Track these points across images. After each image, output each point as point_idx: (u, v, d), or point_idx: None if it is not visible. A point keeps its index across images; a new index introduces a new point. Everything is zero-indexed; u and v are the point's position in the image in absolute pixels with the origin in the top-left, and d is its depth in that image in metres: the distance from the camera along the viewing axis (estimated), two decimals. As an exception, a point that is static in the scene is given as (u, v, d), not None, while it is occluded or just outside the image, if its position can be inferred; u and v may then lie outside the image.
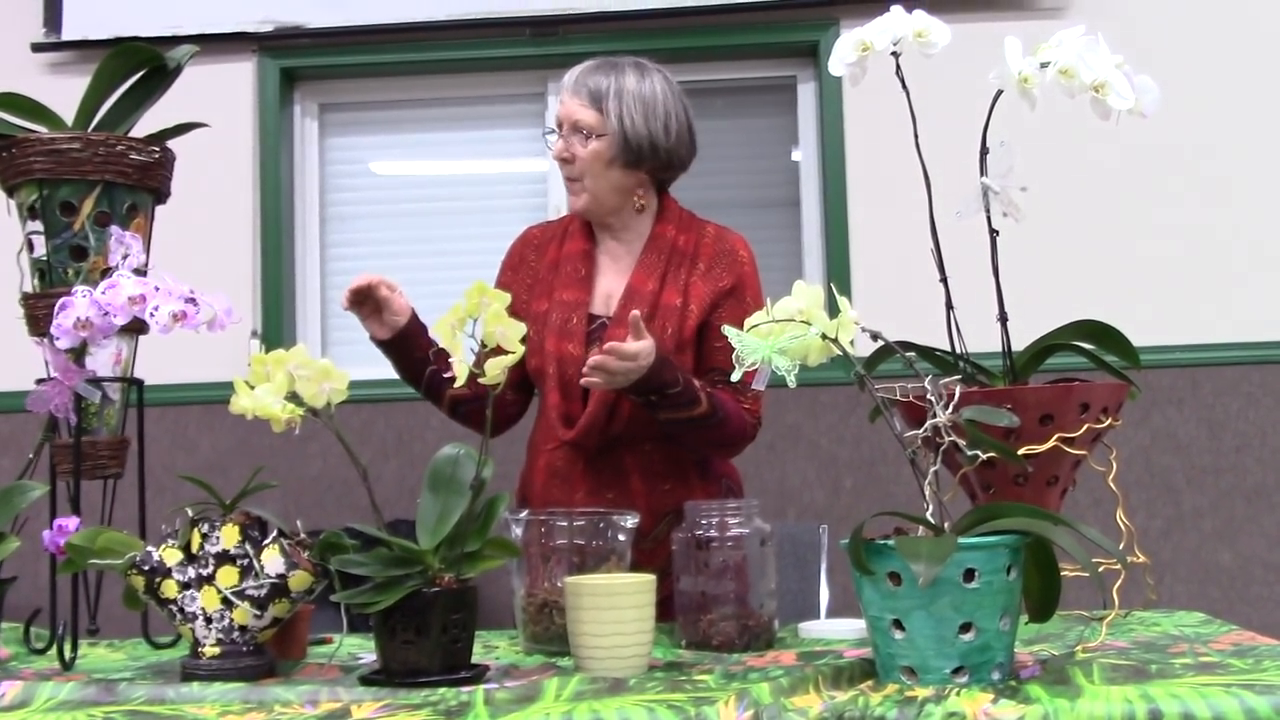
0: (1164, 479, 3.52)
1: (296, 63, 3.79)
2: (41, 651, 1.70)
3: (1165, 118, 1.59)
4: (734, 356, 1.41)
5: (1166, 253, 3.55)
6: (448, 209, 3.86)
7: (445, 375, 1.44)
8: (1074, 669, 1.35)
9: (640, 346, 1.85)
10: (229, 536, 1.48)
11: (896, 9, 1.56)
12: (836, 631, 1.72)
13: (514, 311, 1.91)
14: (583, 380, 1.91)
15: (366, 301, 2.04)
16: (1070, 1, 3.57)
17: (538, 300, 2.12)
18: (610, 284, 2.12)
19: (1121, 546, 1.39)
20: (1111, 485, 1.51)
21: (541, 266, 2.17)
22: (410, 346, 2.08)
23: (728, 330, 1.43)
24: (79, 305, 1.57)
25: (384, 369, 3.64)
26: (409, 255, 3.82)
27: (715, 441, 2.06)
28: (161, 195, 1.81)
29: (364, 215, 3.90)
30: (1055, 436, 1.47)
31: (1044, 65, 1.48)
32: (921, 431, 1.38)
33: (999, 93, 1.51)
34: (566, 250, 2.15)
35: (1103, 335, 1.56)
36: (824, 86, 3.69)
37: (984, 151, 1.55)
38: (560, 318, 2.08)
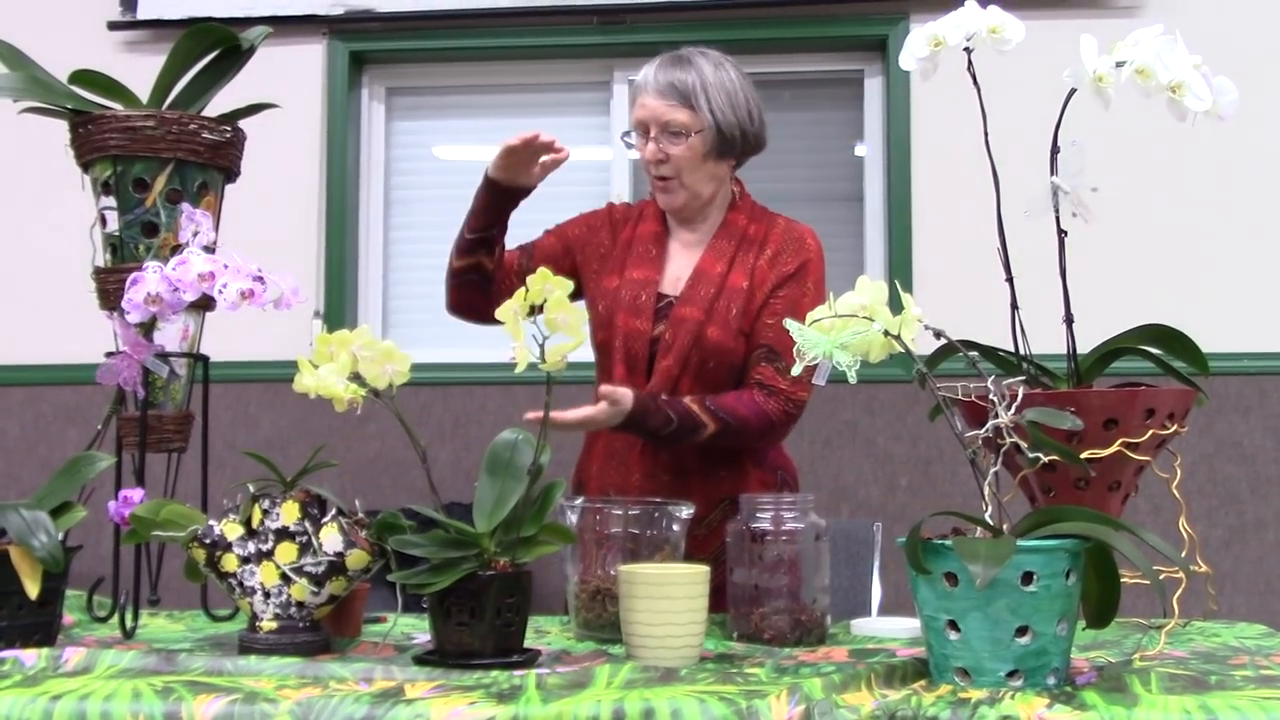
0: (1227, 488, 3.46)
1: (365, 46, 3.82)
2: (103, 620, 1.73)
3: (1240, 120, 1.56)
4: (795, 350, 1.41)
5: (1237, 257, 3.48)
6: (510, 195, 3.87)
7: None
8: (1131, 677, 1.34)
9: (620, 391, 1.94)
10: (289, 513, 1.50)
11: (970, 4, 1.54)
12: (889, 630, 1.71)
13: (560, 248, 2.19)
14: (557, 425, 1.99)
15: (522, 158, 2.07)
16: (1146, 1, 3.52)
17: (608, 277, 2.15)
18: (680, 267, 2.15)
19: (1183, 555, 1.37)
20: (1175, 492, 1.48)
21: (615, 245, 2.20)
22: (502, 205, 2.12)
23: (789, 324, 1.42)
24: (150, 280, 1.60)
25: (443, 352, 3.72)
26: (471, 240, 3.83)
27: (742, 444, 2.09)
28: (231, 174, 1.84)
29: (427, 199, 3.92)
30: (1119, 441, 1.45)
31: (1120, 64, 1.46)
32: (983, 432, 1.37)
33: (1072, 91, 1.49)
34: (640, 231, 2.19)
35: (1170, 340, 1.53)
36: (891, 81, 3.66)
37: (1055, 150, 1.52)
38: (630, 295, 2.11)
